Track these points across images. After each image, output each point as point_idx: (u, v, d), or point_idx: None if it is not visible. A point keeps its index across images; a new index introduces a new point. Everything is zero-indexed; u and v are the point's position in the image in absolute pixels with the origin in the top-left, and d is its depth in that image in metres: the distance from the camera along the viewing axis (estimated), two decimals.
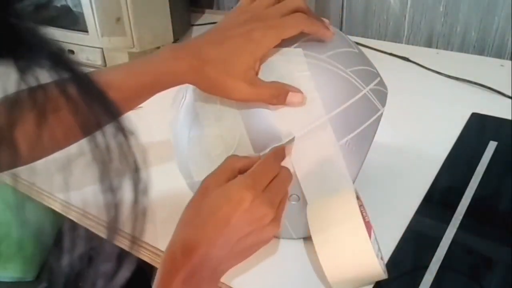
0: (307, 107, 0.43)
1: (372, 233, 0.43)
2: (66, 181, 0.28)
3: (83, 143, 0.24)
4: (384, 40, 1.06)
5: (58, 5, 0.98)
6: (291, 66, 0.44)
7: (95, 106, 0.24)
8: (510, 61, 0.90)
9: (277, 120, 0.44)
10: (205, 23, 1.21)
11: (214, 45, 0.43)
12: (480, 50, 0.96)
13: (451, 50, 0.99)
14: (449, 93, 0.81)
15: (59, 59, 0.22)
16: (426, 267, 0.47)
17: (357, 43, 1.15)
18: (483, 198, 0.55)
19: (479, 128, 0.70)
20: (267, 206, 0.39)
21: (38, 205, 0.64)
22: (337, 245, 0.42)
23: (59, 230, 1.11)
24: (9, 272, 0.96)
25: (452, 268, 0.47)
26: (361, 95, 0.45)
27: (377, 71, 0.50)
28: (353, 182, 0.45)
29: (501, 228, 0.52)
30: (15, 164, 0.24)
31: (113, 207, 0.25)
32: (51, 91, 0.22)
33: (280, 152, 0.43)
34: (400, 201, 0.56)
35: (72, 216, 0.59)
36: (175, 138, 0.51)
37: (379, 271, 0.41)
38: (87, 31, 0.93)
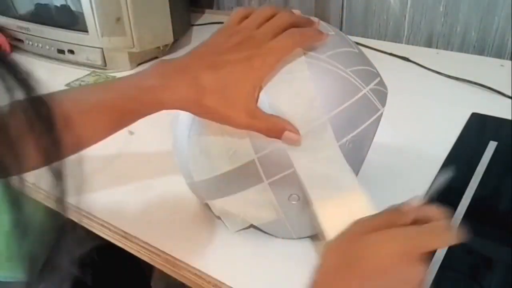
0: (306, 107, 0.43)
1: None
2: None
3: None
4: (384, 40, 1.06)
5: (58, 5, 0.98)
6: (290, 66, 0.44)
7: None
8: (510, 61, 0.90)
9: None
10: (205, 23, 1.21)
11: (211, 71, 0.41)
12: (480, 50, 0.96)
13: (451, 50, 0.99)
14: (449, 93, 0.81)
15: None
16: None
17: (357, 43, 1.15)
18: (483, 198, 0.55)
19: (479, 128, 0.70)
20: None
21: (38, 205, 0.64)
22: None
23: (59, 230, 1.11)
24: (9, 272, 0.96)
25: (452, 268, 0.47)
26: (361, 95, 0.45)
27: (377, 71, 0.50)
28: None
29: (501, 228, 0.52)
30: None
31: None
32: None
33: None
34: (400, 201, 0.56)
35: (72, 216, 0.59)
36: (175, 138, 0.51)
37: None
38: (87, 31, 0.93)
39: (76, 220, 0.59)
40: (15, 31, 1.08)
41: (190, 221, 0.54)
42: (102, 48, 0.95)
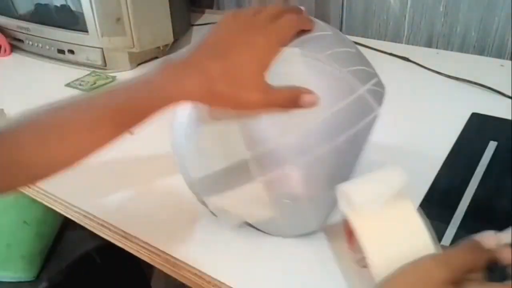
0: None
1: None
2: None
3: None
4: (384, 40, 1.06)
5: (58, 5, 0.98)
6: (288, 65, 0.44)
7: None
8: (510, 61, 0.90)
9: (270, 118, 0.43)
10: (205, 23, 1.21)
11: (218, 59, 0.41)
12: (480, 50, 0.96)
13: (451, 50, 0.99)
14: (449, 93, 0.81)
15: None
16: None
17: (357, 43, 1.15)
18: (483, 198, 0.55)
19: (479, 128, 0.70)
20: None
21: (38, 205, 0.64)
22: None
23: (59, 230, 1.11)
24: (9, 272, 0.96)
25: None
26: (358, 95, 0.45)
27: (374, 71, 0.50)
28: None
29: (501, 228, 0.52)
30: None
31: None
32: None
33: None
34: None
35: (72, 216, 0.59)
36: (173, 137, 0.51)
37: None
38: (87, 31, 0.93)
39: (76, 220, 0.59)
40: (15, 31, 1.08)
41: (190, 221, 0.54)
42: (102, 48, 0.95)
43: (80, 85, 0.92)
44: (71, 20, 0.96)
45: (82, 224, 0.58)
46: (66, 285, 0.75)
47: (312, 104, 0.42)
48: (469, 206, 0.54)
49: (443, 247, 0.45)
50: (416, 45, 1.03)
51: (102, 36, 0.92)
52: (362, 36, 1.07)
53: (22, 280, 0.96)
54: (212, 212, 0.52)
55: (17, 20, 1.06)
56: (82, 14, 0.92)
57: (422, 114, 0.75)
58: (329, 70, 0.44)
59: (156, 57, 1.03)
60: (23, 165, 0.39)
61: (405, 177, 0.39)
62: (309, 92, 0.42)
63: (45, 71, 1.02)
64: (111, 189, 0.61)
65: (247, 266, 0.49)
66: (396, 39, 1.05)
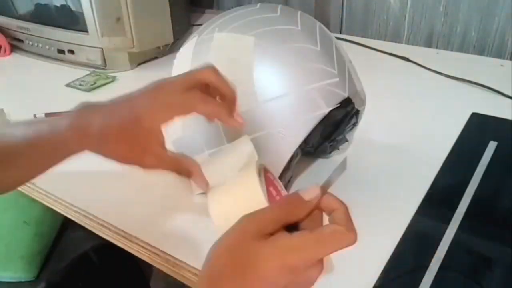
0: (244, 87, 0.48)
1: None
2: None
3: None
4: (384, 40, 1.06)
5: (58, 5, 0.98)
6: (238, 50, 0.48)
7: None
8: (510, 61, 0.90)
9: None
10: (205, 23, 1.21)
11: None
12: (480, 50, 0.96)
13: (451, 50, 0.99)
14: (449, 93, 0.81)
15: None
16: (426, 267, 0.47)
17: (357, 43, 1.14)
18: (483, 198, 0.55)
19: (479, 128, 0.70)
20: None
21: (38, 205, 0.64)
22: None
23: (59, 230, 1.11)
24: (9, 272, 0.96)
25: (452, 268, 0.47)
26: (301, 91, 0.48)
27: (340, 73, 0.51)
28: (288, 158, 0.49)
29: (501, 228, 0.52)
30: None
31: None
32: None
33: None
34: (400, 201, 0.56)
35: (72, 216, 0.59)
36: (170, 137, 0.51)
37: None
38: (87, 31, 0.93)
39: (76, 220, 0.59)
40: (15, 31, 1.08)
41: (190, 221, 0.54)
42: (102, 48, 0.95)
43: (80, 85, 0.92)
44: (71, 20, 0.96)
45: (82, 224, 0.58)
46: (66, 285, 0.75)
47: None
48: (469, 206, 0.54)
49: None
50: (416, 45, 1.03)
51: (102, 36, 0.92)
52: (362, 36, 1.07)
53: (22, 280, 0.96)
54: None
55: (17, 20, 1.06)
56: (82, 14, 0.92)
57: (422, 114, 0.75)
58: (278, 60, 0.49)
59: (156, 57, 1.03)
60: None
61: (250, 146, 0.44)
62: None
63: (45, 71, 1.02)
64: (111, 189, 0.61)
65: None
66: (396, 39, 1.05)
